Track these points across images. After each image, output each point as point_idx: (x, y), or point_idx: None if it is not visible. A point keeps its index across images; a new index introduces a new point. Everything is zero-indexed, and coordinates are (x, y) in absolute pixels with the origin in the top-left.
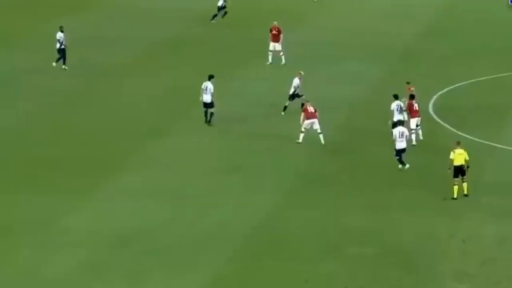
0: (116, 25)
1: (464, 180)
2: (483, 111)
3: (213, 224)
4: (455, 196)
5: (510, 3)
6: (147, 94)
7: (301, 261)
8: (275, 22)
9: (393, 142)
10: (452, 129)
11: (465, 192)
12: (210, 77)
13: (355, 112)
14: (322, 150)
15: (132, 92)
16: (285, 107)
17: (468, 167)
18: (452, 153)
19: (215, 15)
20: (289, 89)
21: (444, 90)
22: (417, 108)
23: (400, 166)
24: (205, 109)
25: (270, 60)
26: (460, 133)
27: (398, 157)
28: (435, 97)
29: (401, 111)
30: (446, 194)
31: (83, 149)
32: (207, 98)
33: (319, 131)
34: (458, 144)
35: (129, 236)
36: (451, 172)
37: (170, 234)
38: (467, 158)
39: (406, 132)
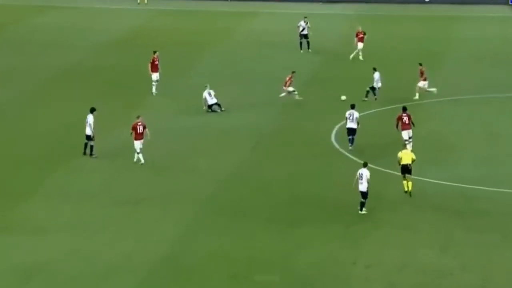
0: (11, 57)
1: (409, 179)
2: (383, 140)
3: (118, 255)
4: (405, 189)
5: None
6: (48, 125)
7: None
8: (157, 53)
9: (355, 183)
10: (352, 157)
11: (409, 189)
12: (92, 110)
13: (262, 138)
14: (227, 178)
15: (33, 123)
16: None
17: (413, 161)
18: (400, 152)
19: (308, 43)
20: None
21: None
22: (407, 121)
23: (361, 210)
24: (86, 141)
25: (154, 90)
26: (360, 161)
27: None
28: (337, 126)
29: (353, 119)
30: (349, 221)
31: None
32: (88, 130)
33: (137, 151)
34: (404, 146)
35: (32, 269)
36: (399, 169)
37: (73, 267)
38: (414, 157)
39: (367, 175)
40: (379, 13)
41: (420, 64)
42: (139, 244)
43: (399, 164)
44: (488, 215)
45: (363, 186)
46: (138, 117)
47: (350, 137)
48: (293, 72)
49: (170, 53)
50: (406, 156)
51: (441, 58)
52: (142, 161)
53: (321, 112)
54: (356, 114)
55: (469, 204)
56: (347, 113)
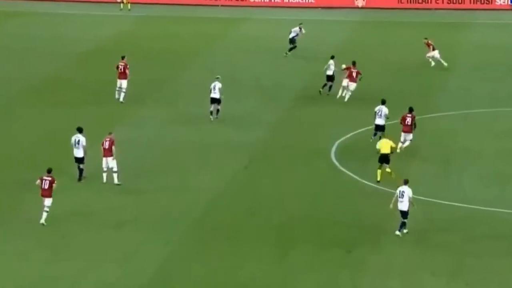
0: None
1: (386, 167)
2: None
3: (99, 282)
4: (378, 179)
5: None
6: (23, 142)
7: None
8: (125, 58)
9: (394, 201)
10: (353, 175)
11: (392, 175)
12: (80, 130)
13: (255, 154)
14: (217, 198)
15: (5, 140)
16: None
17: (392, 152)
18: (378, 143)
19: (291, 48)
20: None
21: (347, 136)
22: (409, 123)
23: (397, 232)
24: (77, 164)
25: (118, 97)
26: (362, 180)
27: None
28: (337, 142)
29: (381, 115)
30: (349, 245)
31: None
32: (78, 152)
33: (114, 169)
34: (384, 135)
35: None
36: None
37: None
38: (393, 145)
39: (409, 193)
40: (381, 20)
41: (353, 64)
42: (122, 269)
43: (378, 152)
44: (501, 239)
45: (403, 205)
46: (110, 133)
47: (377, 132)
48: (353, 62)
49: (155, 61)
50: (385, 145)
51: (447, 66)
52: (116, 181)
53: (321, 126)
54: (385, 110)
55: (480, 227)
56: (376, 108)
